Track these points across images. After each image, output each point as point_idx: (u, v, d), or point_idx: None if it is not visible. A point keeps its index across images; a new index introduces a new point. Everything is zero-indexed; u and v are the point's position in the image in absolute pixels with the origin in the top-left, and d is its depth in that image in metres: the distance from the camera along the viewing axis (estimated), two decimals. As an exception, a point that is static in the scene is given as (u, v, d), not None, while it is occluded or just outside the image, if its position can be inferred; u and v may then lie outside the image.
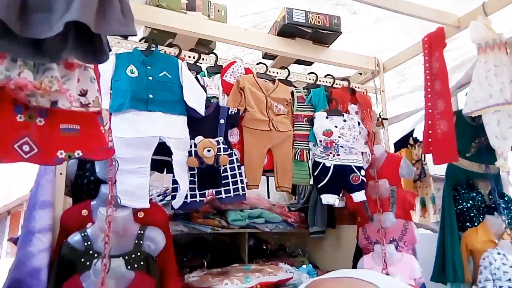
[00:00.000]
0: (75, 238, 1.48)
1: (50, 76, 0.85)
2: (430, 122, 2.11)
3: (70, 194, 1.87)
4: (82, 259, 1.40)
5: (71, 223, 1.57)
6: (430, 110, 2.11)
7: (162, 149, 1.72)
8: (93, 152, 1.09)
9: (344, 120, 2.25)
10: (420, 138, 2.64)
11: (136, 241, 1.48)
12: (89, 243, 1.45)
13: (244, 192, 1.91)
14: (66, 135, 1.04)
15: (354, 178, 2.17)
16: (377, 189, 2.21)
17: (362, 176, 2.18)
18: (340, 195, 2.24)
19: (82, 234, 1.48)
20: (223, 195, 1.89)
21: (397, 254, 2.05)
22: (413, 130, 2.89)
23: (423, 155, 2.72)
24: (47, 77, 0.85)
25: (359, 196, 2.16)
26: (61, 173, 1.66)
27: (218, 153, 1.84)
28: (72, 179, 1.79)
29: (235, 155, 1.92)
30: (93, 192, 1.69)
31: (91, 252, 1.41)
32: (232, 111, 1.94)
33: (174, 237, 2.63)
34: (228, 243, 2.94)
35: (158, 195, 2.55)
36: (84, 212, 1.59)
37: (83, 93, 0.98)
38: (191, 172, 1.83)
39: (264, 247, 2.98)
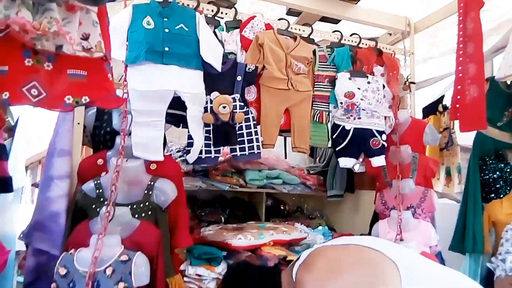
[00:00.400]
0: (89, 185, 1.53)
1: (49, 17, 0.85)
2: (459, 87, 1.98)
3: (90, 144, 1.93)
4: (93, 206, 1.45)
5: (88, 171, 1.62)
6: (460, 75, 1.97)
7: (178, 103, 1.72)
8: (101, 99, 1.10)
9: (368, 82, 2.15)
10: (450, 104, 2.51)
11: (146, 192, 1.52)
12: (100, 191, 1.50)
13: (259, 151, 1.90)
14: (73, 81, 1.05)
15: (374, 142, 2.10)
16: (398, 154, 2.14)
17: (383, 140, 2.11)
18: (360, 159, 2.19)
19: (95, 182, 1.52)
20: (238, 153, 1.88)
21: (413, 221, 2.01)
22: (443, 96, 2.74)
23: (452, 123, 2.59)
24: (46, 18, 0.85)
25: (378, 161, 2.10)
26: (78, 123, 1.70)
27: (234, 110, 1.82)
28: (91, 130, 1.83)
29: (251, 113, 1.90)
30: (110, 143, 1.73)
31: (101, 199, 1.46)
32: (249, 68, 1.90)
33: (193, 192, 2.72)
34: (246, 202, 2.98)
35: (178, 151, 2.59)
36: (100, 161, 1.63)
37: (85, 37, 0.97)
38: (206, 129, 1.82)
39: (282, 208, 3.00)
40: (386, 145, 2.13)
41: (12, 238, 2.75)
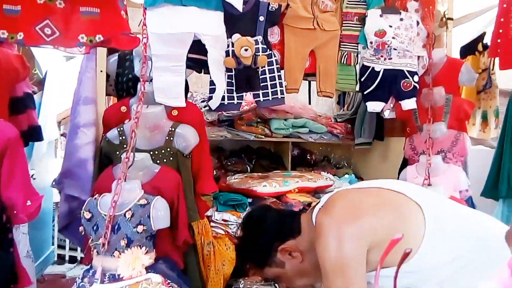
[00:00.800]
0: (112, 133, 1.54)
1: None
2: (502, 19, 1.81)
3: (114, 93, 1.92)
4: (117, 152, 1.46)
5: (112, 119, 1.63)
6: (504, 5, 1.80)
7: (199, 47, 1.66)
8: (116, 37, 1.06)
9: (401, 19, 1.99)
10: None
11: (167, 138, 1.51)
12: (123, 137, 1.50)
13: (283, 96, 1.84)
14: (86, 19, 1.02)
15: (405, 84, 1.99)
16: (431, 97, 2.03)
17: (415, 82, 1.99)
18: (389, 103, 2.09)
19: (119, 129, 1.53)
20: (261, 99, 1.83)
21: (443, 165, 1.94)
22: (484, 33, 2.53)
23: (491, 63, 2.41)
24: None
25: (408, 104, 2.00)
26: (101, 71, 1.69)
27: (256, 53, 1.75)
28: (114, 78, 1.82)
29: (275, 56, 1.82)
30: (133, 89, 1.71)
31: (125, 146, 1.46)
32: (272, 7, 1.79)
33: (218, 142, 2.72)
34: (272, 152, 2.97)
35: (202, 101, 2.56)
36: (123, 108, 1.63)
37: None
38: (228, 74, 1.77)
39: (308, 157, 2.96)
40: (418, 87, 2.01)
41: (49, 190, 2.88)
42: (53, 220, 3.79)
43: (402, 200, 1.22)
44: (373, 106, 2.01)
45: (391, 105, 2.13)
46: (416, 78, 2.00)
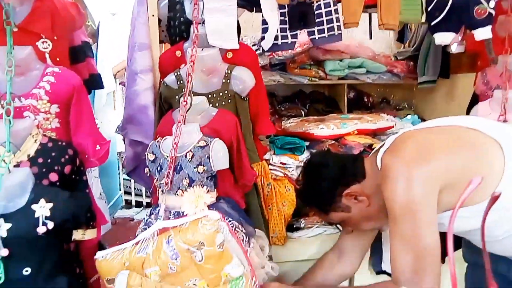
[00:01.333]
0: (170, 78, 1.55)
1: None
2: None
3: (167, 39, 1.91)
4: (176, 97, 1.47)
5: (168, 64, 1.62)
6: None
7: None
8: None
9: None
10: None
11: (224, 80, 1.49)
12: (181, 82, 1.50)
13: (340, 32, 1.73)
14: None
15: (479, 11, 1.77)
16: (509, 25, 1.80)
17: (490, 8, 1.77)
18: (458, 34, 1.90)
19: (176, 74, 1.53)
20: (316, 36, 1.74)
21: (522, 100, 1.76)
22: None
23: None
24: None
25: (483, 33, 1.79)
26: (153, 15, 1.67)
27: (311, -14, 1.63)
28: (166, 23, 1.79)
29: (331, -12, 1.69)
30: (185, 33, 1.69)
31: (183, 90, 1.46)
32: None
33: (271, 87, 2.67)
34: (326, 96, 2.87)
35: (253, 45, 2.49)
36: (178, 53, 1.62)
37: None
38: (281, 11, 1.68)
39: (365, 100, 2.84)
40: (493, 13, 1.79)
41: (112, 140, 3.04)
42: (118, 168, 4.06)
43: (478, 137, 1.13)
44: (442, 38, 1.83)
45: (459, 38, 1.94)
46: (492, 3, 1.77)
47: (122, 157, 3.64)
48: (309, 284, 1.44)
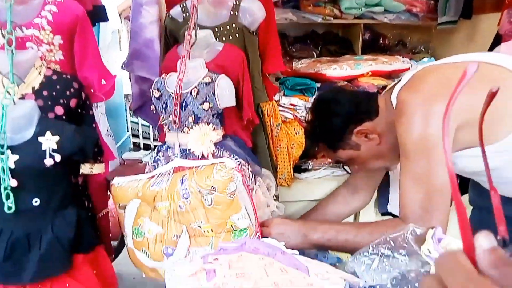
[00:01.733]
0: (176, 9, 1.46)
1: None
2: None
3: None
4: (182, 30, 1.39)
5: (173, -5, 1.53)
6: None
7: None
8: None
9: None
10: None
11: (232, 12, 1.40)
12: (187, 14, 1.42)
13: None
14: None
15: None
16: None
17: None
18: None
19: (182, 5, 1.45)
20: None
21: (551, 41, 1.65)
22: None
23: None
24: None
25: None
26: None
27: None
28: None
29: None
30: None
31: (189, 23, 1.39)
32: None
33: (282, 27, 2.54)
34: (340, 37, 2.74)
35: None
36: (184, -17, 1.52)
37: None
38: None
39: (381, 42, 2.71)
40: None
41: (119, 81, 2.98)
42: (126, 110, 4.05)
43: (502, 73, 1.06)
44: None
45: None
46: None
47: (129, 100, 3.62)
48: (317, 217, 1.45)
